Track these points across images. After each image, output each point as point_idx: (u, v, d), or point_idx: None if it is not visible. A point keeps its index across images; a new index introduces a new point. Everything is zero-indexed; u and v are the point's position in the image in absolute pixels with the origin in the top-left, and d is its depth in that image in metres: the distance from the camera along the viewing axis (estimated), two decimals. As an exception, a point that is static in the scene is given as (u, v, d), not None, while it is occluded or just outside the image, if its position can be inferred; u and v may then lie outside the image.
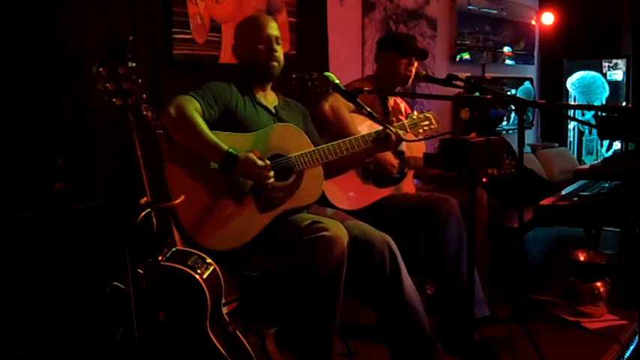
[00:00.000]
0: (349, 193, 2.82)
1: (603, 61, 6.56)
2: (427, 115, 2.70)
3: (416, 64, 3.04)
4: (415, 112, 2.73)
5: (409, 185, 3.03)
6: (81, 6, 2.64)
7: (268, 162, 2.20)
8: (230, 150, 2.17)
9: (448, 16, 5.38)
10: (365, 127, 2.86)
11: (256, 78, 2.47)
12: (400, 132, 2.50)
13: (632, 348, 2.81)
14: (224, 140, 2.21)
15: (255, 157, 2.17)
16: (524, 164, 3.54)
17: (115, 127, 2.74)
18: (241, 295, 2.41)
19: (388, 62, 3.06)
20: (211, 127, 2.23)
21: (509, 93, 5.59)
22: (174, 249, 1.91)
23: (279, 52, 2.44)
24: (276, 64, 2.43)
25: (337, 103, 2.80)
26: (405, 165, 2.91)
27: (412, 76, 3.03)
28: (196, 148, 2.22)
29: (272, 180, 2.22)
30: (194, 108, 2.23)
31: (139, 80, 1.78)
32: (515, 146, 2.57)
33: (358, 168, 2.82)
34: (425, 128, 2.67)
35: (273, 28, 2.45)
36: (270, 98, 2.52)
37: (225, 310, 1.99)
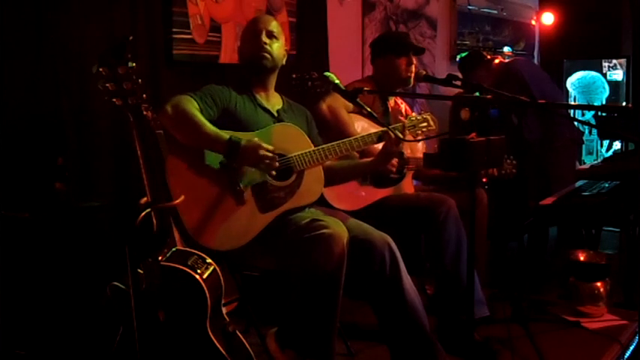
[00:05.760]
0: (348, 193, 2.82)
1: (603, 61, 6.55)
2: (425, 116, 2.70)
3: (415, 61, 3.05)
4: (413, 114, 2.73)
5: (409, 186, 3.03)
6: (81, 6, 2.64)
7: (272, 147, 2.20)
8: (232, 137, 2.17)
9: (448, 16, 5.38)
10: (359, 128, 2.86)
11: (253, 74, 2.47)
12: (399, 133, 2.51)
13: (632, 348, 2.81)
14: None
15: (258, 141, 2.17)
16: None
17: (115, 127, 2.73)
18: (241, 295, 2.41)
19: (387, 66, 3.06)
20: None
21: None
22: (174, 249, 1.91)
23: (272, 45, 2.43)
24: (267, 55, 2.41)
25: (335, 103, 2.81)
26: (404, 165, 2.91)
27: (413, 76, 3.03)
28: (197, 142, 2.22)
29: (277, 165, 2.22)
30: (192, 106, 2.23)
31: (139, 80, 1.78)
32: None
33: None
34: (423, 130, 2.68)
35: (271, 24, 2.45)
36: (273, 100, 2.51)
37: (225, 310, 1.99)
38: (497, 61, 4.18)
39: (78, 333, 2.37)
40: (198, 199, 2.21)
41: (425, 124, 2.68)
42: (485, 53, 4.31)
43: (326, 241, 2.10)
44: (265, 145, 2.18)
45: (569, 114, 5.76)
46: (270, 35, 2.44)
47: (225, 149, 2.17)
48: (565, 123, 4.14)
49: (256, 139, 2.19)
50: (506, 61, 4.24)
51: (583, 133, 6.30)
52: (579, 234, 3.73)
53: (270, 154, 2.18)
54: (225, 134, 2.18)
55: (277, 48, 2.45)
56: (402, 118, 3.07)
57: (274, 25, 2.47)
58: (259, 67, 2.44)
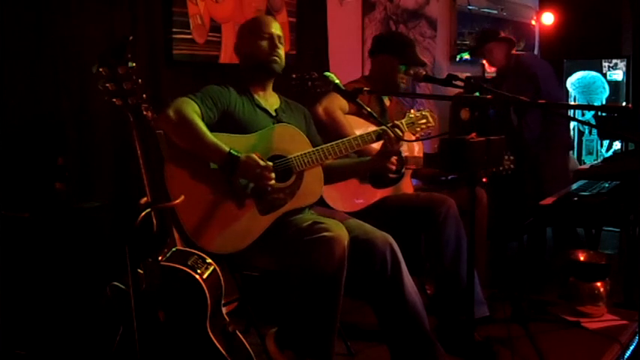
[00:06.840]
0: (347, 194, 2.82)
1: (603, 61, 6.55)
2: (424, 113, 2.70)
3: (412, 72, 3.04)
4: (412, 111, 2.73)
5: (407, 185, 3.03)
6: (81, 6, 2.64)
7: (270, 163, 2.20)
8: (232, 151, 2.17)
9: (448, 16, 5.38)
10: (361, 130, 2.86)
11: (256, 76, 2.47)
12: (398, 131, 2.50)
13: (632, 348, 2.81)
14: (225, 141, 2.21)
15: (257, 157, 2.17)
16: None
17: (115, 127, 2.74)
18: (241, 295, 2.41)
19: (385, 65, 3.05)
20: (210, 130, 2.23)
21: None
22: (174, 249, 1.91)
23: (281, 50, 2.46)
24: (277, 59, 2.44)
25: (331, 105, 2.81)
26: (403, 165, 2.91)
27: (405, 84, 3.04)
28: (197, 150, 2.22)
29: (273, 182, 2.22)
30: (193, 110, 2.23)
31: (139, 80, 1.78)
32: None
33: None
34: (422, 126, 2.67)
35: (276, 28, 2.48)
36: (271, 100, 2.52)
37: (225, 310, 1.99)
38: (512, 49, 4.23)
39: (78, 333, 2.37)
40: (198, 201, 2.21)
41: (424, 120, 2.67)
42: (500, 31, 4.41)
43: (327, 243, 2.09)
44: (262, 163, 2.17)
45: (568, 114, 5.75)
46: (280, 40, 2.47)
47: (224, 162, 2.18)
48: (563, 123, 4.15)
49: (255, 154, 2.18)
50: (518, 53, 4.28)
51: (583, 133, 6.31)
52: (574, 234, 3.74)
53: (267, 173, 2.18)
54: (226, 147, 2.19)
55: (282, 52, 2.48)
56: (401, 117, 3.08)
57: (280, 30, 2.50)
58: (270, 71, 2.46)
